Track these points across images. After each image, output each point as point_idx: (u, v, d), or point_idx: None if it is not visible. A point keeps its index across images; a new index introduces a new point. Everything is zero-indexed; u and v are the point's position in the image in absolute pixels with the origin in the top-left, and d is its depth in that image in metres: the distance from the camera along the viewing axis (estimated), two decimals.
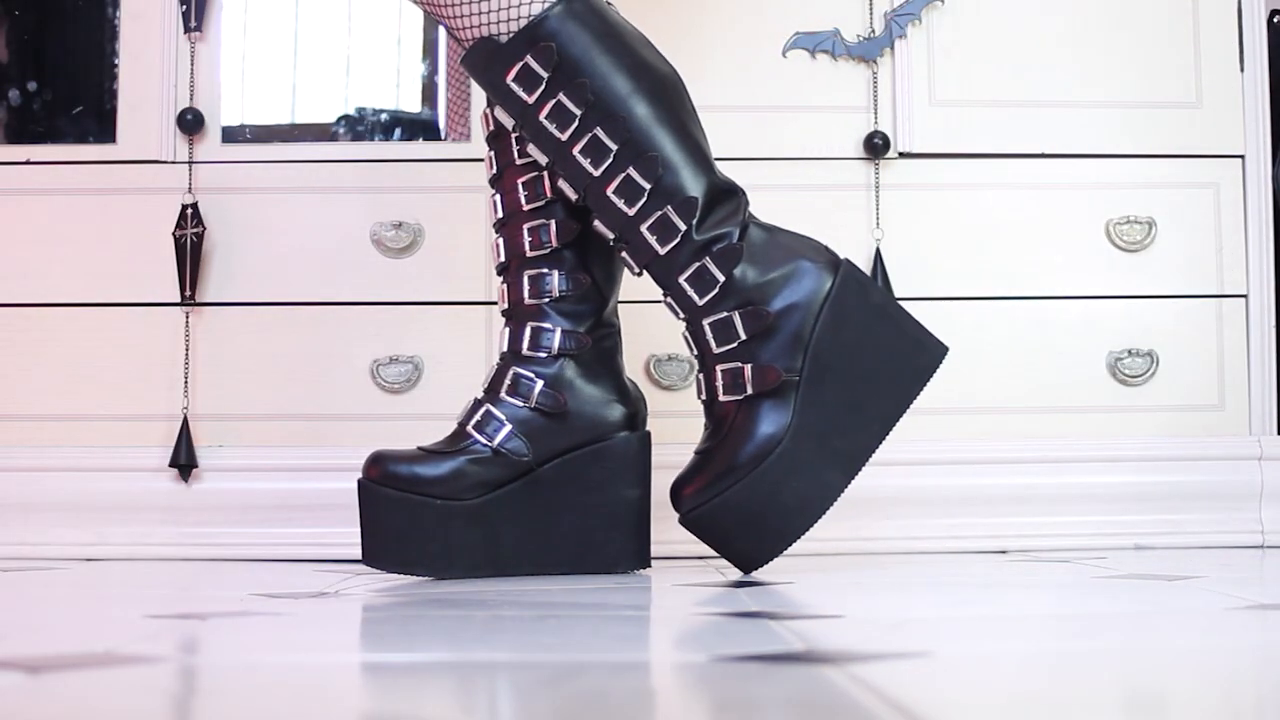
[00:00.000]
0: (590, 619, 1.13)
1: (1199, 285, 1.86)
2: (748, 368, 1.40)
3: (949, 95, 1.86)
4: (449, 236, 1.84)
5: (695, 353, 1.44)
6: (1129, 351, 1.85)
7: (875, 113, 1.86)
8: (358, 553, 1.49)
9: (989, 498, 1.80)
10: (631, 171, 1.40)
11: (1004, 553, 1.77)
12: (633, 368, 1.81)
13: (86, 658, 0.87)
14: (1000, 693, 0.78)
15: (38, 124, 1.93)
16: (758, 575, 1.45)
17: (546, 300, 1.50)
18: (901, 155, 1.86)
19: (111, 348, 1.82)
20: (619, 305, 1.56)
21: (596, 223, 1.45)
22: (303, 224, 1.84)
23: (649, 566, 1.51)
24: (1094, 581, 1.37)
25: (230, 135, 1.86)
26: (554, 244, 1.49)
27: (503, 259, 1.52)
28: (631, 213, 1.41)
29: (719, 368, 1.42)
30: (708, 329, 1.42)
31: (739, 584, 1.37)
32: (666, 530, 1.75)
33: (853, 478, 1.43)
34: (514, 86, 1.41)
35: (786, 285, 1.42)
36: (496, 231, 1.53)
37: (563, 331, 1.49)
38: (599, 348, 1.51)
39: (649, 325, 1.82)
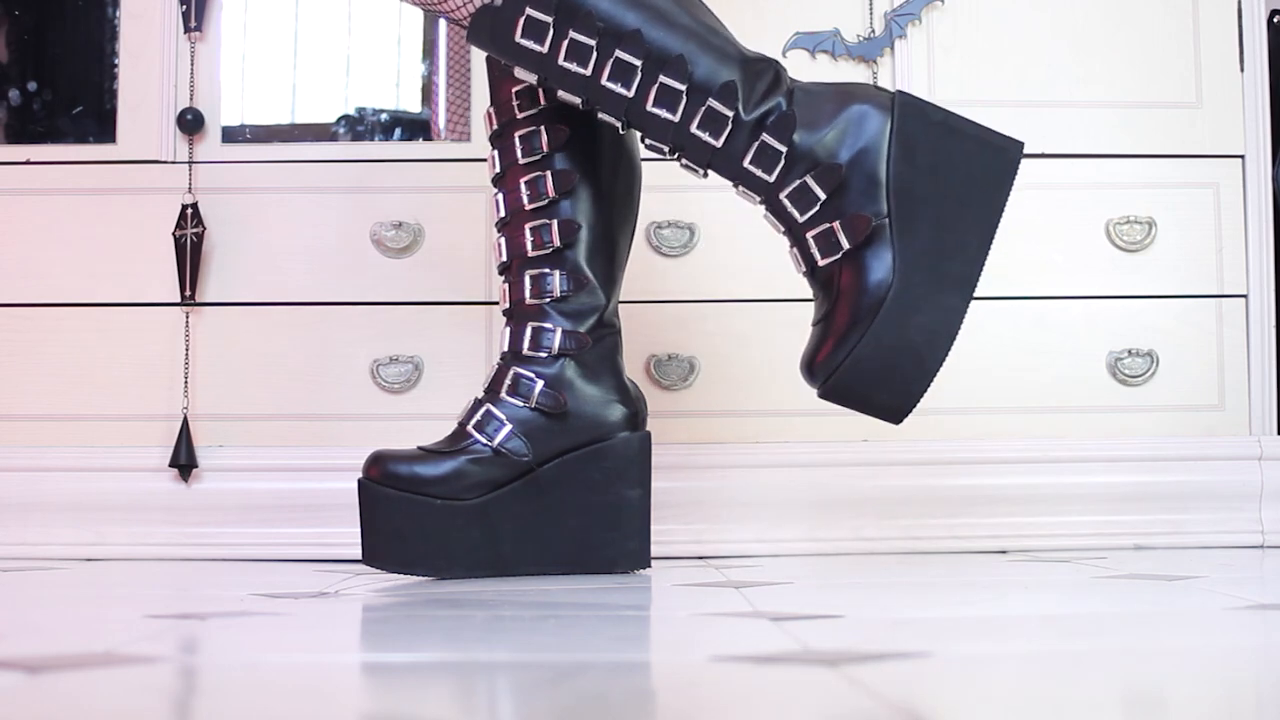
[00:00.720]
0: (590, 619, 1.13)
1: (1199, 285, 1.86)
2: (836, 225, 1.38)
3: (949, 95, 1.86)
4: (449, 236, 1.84)
5: (783, 229, 1.41)
6: (1129, 351, 1.85)
7: None
8: (358, 553, 1.49)
9: (989, 498, 1.80)
10: (663, 79, 1.38)
11: (1004, 553, 1.77)
12: (633, 368, 1.81)
13: (86, 658, 0.87)
14: (1000, 693, 0.78)
15: (38, 124, 1.93)
16: (757, 575, 1.45)
17: (547, 300, 1.50)
18: None
19: (111, 348, 1.82)
20: (619, 306, 1.56)
21: (648, 147, 1.41)
22: (303, 224, 1.84)
23: (649, 566, 1.51)
24: (1094, 581, 1.37)
25: (230, 135, 1.86)
26: (556, 243, 1.49)
27: (504, 258, 1.52)
28: (677, 118, 1.39)
29: (809, 234, 1.39)
30: (786, 202, 1.39)
31: (739, 584, 1.37)
32: (666, 530, 1.75)
33: (970, 298, 1.39)
34: (525, 42, 1.38)
35: (848, 134, 1.41)
36: (498, 231, 1.53)
37: (563, 331, 1.49)
38: (599, 347, 1.51)
39: (649, 325, 1.82)
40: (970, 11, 1.88)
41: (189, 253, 1.80)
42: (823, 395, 1.40)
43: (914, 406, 1.39)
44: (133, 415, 1.81)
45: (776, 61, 1.44)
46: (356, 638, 1.06)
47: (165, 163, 1.84)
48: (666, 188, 1.82)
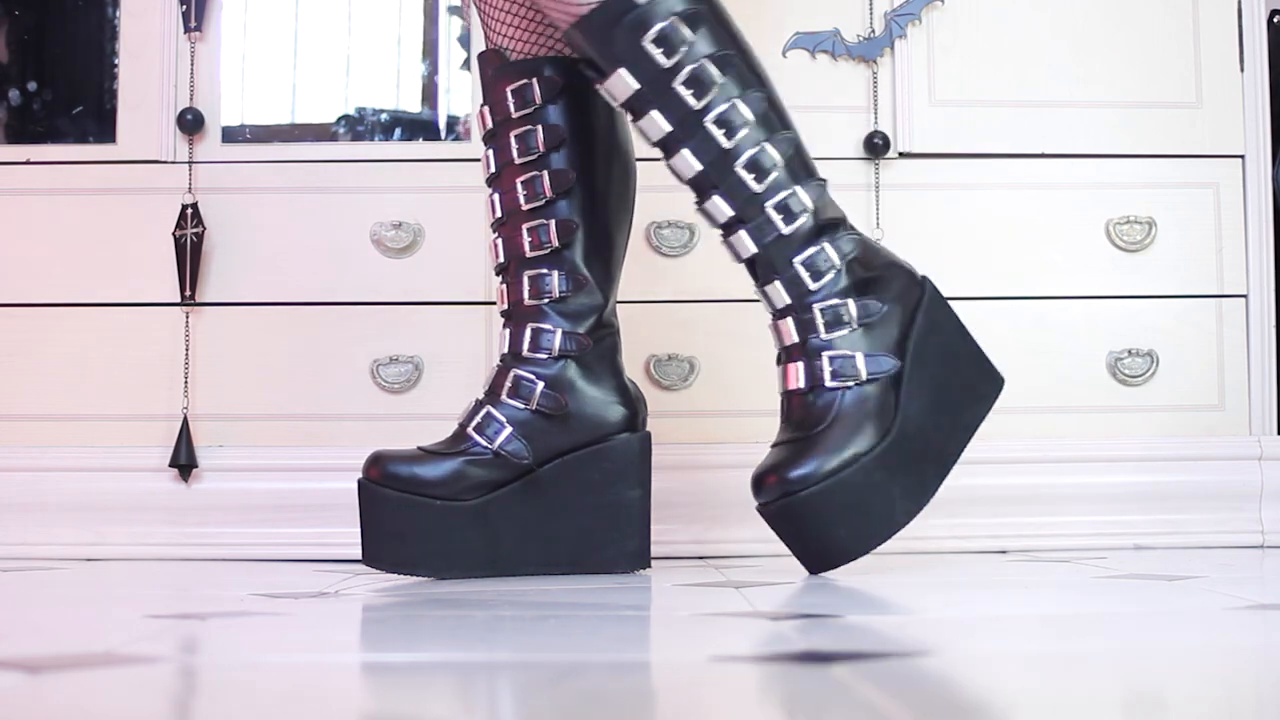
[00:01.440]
0: (590, 619, 1.13)
1: (1199, 285, 1.86)
2: (858, 355, 1.39)
3: (949, 95, 1.86)
4: (449, 236, 1.84)
5: (792, 341, 1.41)
6: (1129, 351, 1.85)
7: (875, 113, 1.86)
8: (358, 553, 1.49)
9: (989, 498, 1.80)
10: (767, 146, 1.39)
11: (1004, 553, 1.77)
12: (633, 368, 1.81)
13: (86, 658, 0.87)
14: (1000, 693, 0.78)
15: (38, 124, 1.93)
16: (757, 575, 1.45)
17: (546, 301, 1.49)
18: (901, 155, 1.86)
19: (111, 348, 1.82)
20: (618, 306, 1.56)
21: (707, 206, 1.41)
22: (303, 224, 1.84)
23: (649, 566, 1.51)
24: (1094, 581, 1.37)
25: (230, 135, 1.86)
26: (554, 244, 1.49)
27: (501, 259, 1.52)
28: (760, 189, 1.39)
29: (826, 354, 1.40)
30: (818, 313, 1.40)
31: (739, 584, 1.37)
32: (666, 530, 1.75)
33: (940, 483, 1.43)
34: (651, 49, 1.36)
35: (887, 284, 1.43)
36: (494, 231, 1.53)
37: (563, 333, 1.49)
38: (599, 348, 1.51)
39: (649, 325, 1.82)
40: (970, 11, 1.88)
41: (189, 253, 1.80)
42: (778, 510, 1.39)
43: (853, 559, 1.40)
44: (133, 415, 1.81)
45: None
46: (356, 638, 1.06)
47: (165, 163, 1.84)
48: (666, 188, 1.81)
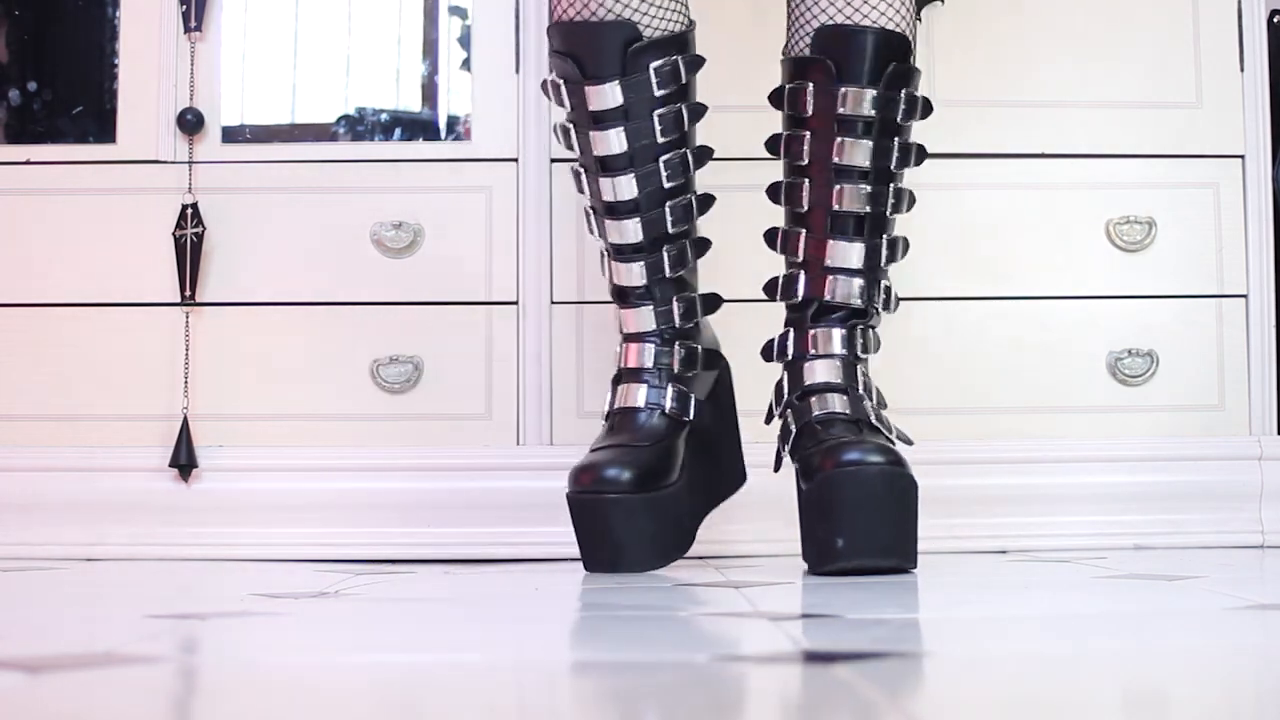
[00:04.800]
0: (590, 619, 1.13)
1: (1199, 285, 1.86)
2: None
3: (949, 95, 1.86)
4: (449, 236, 1.84)
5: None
6: (1129, 351, 1.85)
7: None
8: (358, 553, 1.49)
9: (989, 498, 1.80)
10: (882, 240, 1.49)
11: (1004, 553, 1.77)
12: None
13: (86, 658, 0.87)
14: (1000, 693, 0.78)
15: (38, 124, 1.93)
16: (757, 575, 1.45)
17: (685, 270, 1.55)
18: None
19: (111, 348, 1.82)
20: None
21: (832, 245, 1.48)
22: (303, 224, 1.84)
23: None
24: (1094, 581, 1.37)
25: (230, 135, 1.86)
26: (695, 215, 1.54)
27: (641, 239, 1.52)
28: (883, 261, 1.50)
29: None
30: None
31: (739, 584, 1.37)
32: None
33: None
34: (902, 99, 1.47)
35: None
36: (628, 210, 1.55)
37: (700, 296, 1.56)
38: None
39: None
40: (970, 11, 1.88)
41: (189, 253, 1.80)
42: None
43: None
44: (133, 415, 1.81)
45: None
46: (356, 638, 1.06)
47: (165, 163, 1.84)
48: None
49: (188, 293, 1.80)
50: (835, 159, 1.45)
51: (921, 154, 1.51)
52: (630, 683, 0.82)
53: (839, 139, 1.45)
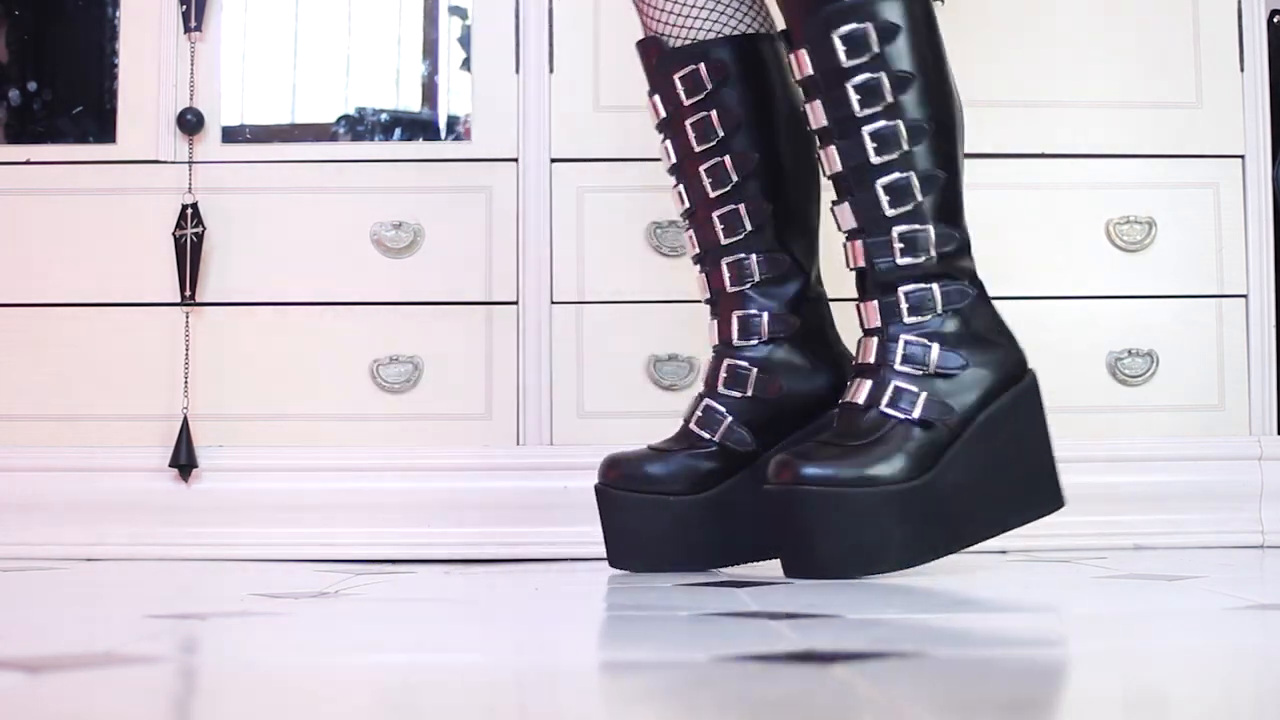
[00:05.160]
0: (591, 619, 1.13)
1: (1199, 285, 1.86)
2: (922, 395, 1.38)
3: None
4: (449, 236, 1.84)
5: (868, 361, 1.41)
6: (1129, 351, 1.85)
7: None
8: (358, 553, 1.49)
9: None
10: (913, 176, 1.38)
11: (1004, 553, 1.76)
12: (633, 368, 1.81)
13: (86, 658, 0.87)
14: (1000, 693, 0.78)
15: (38, 124, 1.93)
16: (757, 575, 1.45)
17: (749, 285, 1.49)
18: None
19: (111, 348, 1.82)
20: (821, 276, 1.55)
21: (836, 209, 1.41)
22: (303, 224, 1.84)
23: None
24: (1094, 581, 1.37)
25: (230, 135, 1.86)
26: (747, 228, 1.48)
27: (697, 249, 1.51)
28: (891, 213, 1.39)
29: (893, 384, 1.39)
30: (901, 344, 1.39)
31: (739, 584, 1.37)
32: None
33: (951, 553, 1.40)
34: (836, 43, 1.37)
35: (986, 350, 1.42)
36: (686, 222, 1.52)
37: (770, 315, 1.49)
38: (807, 325, 1.51)
39: (649, 325, 1.82)
40: (970, 11, 1.88)
41: (189, 253, 1.80)
42: (776, 497, 1.37)
43: (826, 577, 1.36)
44: (133, 415, 1.81)
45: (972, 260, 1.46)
46: (356, 638, 1.06)
47: (165, 163, 1.84)
48: (665, 188, 1.81)
49: (188, 293, 1.80)
50: (810, 125, 1.42)
51: (906, 79, 1.37)
52: (631, 683, 0.82)
53: (804, 108, 1.42)
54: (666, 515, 1.48)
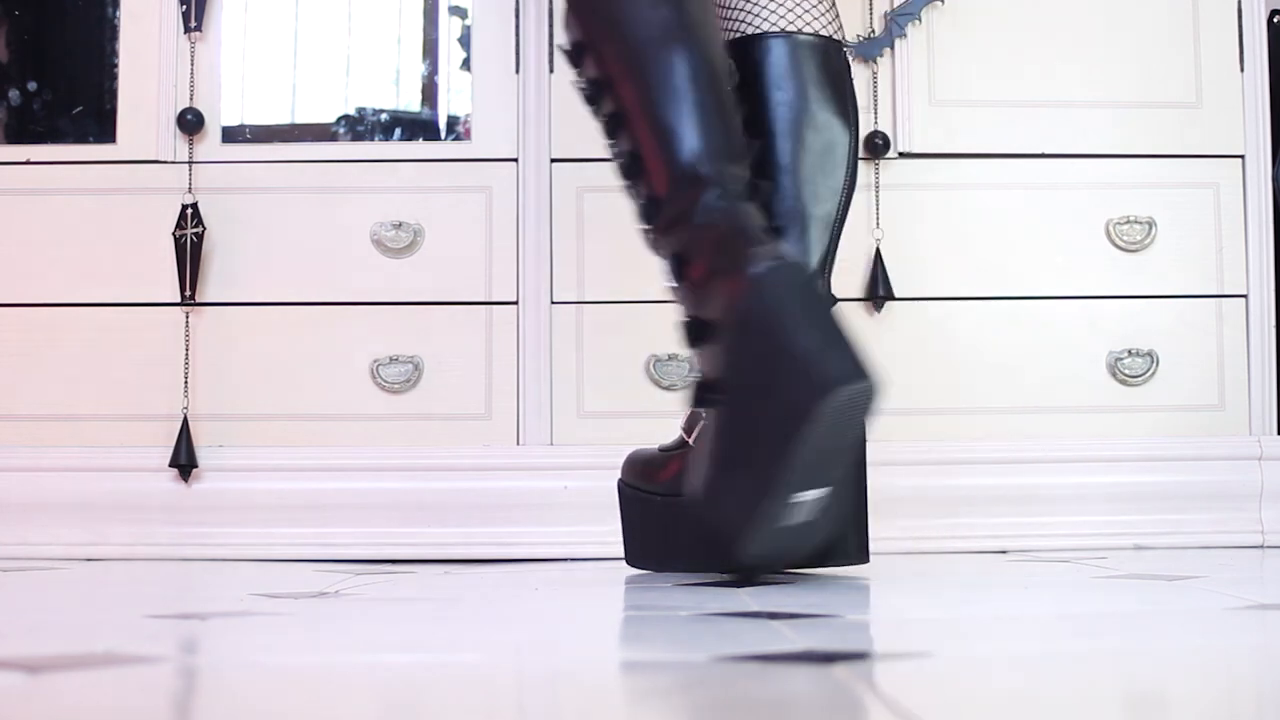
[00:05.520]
0: (591, 618, 1.13)
1: (1199, 285, 1.86)
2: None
3: (949, 95, 1.86)
4: (449, 236, 1.84)
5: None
6: (1129, 351, 1.85)
7: (875, 113, 1.86)
8: (358, 553, 1.50)
9: (989, 498, 1.80)
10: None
11: (1004, 553, 1.77)
12: (633, 368, 1.81)
13: (86, 658, 0.87)
14: (1000, 693, 0.78)
15: (38, 124, 1.93)
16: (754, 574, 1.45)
17: None
18: (901, 155, 1.86)
19: (111, 348, 1.82)
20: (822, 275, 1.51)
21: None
22: (303, 224, 1.84)
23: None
24: (1094, 581, 1.37)
25: (230, 135, 1.86)
26: None
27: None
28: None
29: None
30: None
31: (739, 584, 1.37)
32: None
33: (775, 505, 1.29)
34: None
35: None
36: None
37: None
38: None
39: (648, 325, 1.82)
40: (970, 11, 1.88)
41: (189, 253, 1.80)
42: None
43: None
44: (133, 415, 1.81)
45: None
46: (356, 638, 1.06)
47: (165, 163, 1.84)
48: None
49: (188, 293, 1.80)
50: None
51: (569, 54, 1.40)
52: (631, 682, 0.82)
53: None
54: (676, 516, 1.47)
